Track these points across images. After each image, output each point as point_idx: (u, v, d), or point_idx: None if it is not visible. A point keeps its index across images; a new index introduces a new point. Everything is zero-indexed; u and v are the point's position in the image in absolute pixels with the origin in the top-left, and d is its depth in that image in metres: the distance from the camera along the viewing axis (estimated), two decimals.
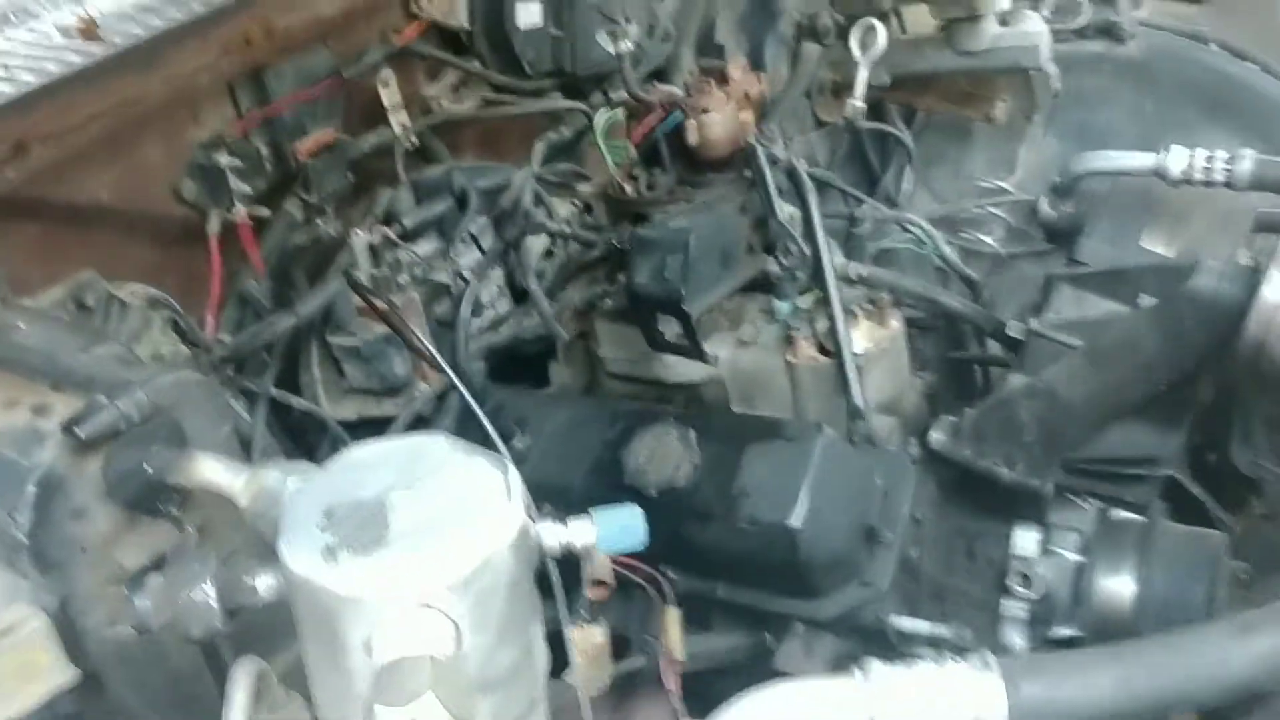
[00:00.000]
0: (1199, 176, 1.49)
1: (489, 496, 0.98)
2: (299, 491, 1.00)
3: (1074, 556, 1.65)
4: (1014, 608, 1.65)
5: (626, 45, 1.80)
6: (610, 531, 1.03)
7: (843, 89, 2.38)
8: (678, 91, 1.79)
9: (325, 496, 0.98)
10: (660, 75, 2.24)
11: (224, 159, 1.66)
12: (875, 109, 2.68)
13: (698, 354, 1.68)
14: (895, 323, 1.78)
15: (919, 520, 1.63)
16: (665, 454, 1.57)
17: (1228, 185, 1.49)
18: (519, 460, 1.69)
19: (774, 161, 1.76)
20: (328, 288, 1.65)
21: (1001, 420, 1.54)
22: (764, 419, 1.72)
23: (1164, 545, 1.63)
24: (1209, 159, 1.49)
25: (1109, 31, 2.55)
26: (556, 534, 1.02)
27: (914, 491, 1.64)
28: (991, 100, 2.49)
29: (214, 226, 1.68)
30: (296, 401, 1.67)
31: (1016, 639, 1.65)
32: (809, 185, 1.75)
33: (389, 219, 1.91)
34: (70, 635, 1.09)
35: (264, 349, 1.66)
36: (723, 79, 1.86)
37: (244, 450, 1.62)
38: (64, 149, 1.50)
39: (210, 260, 1.67)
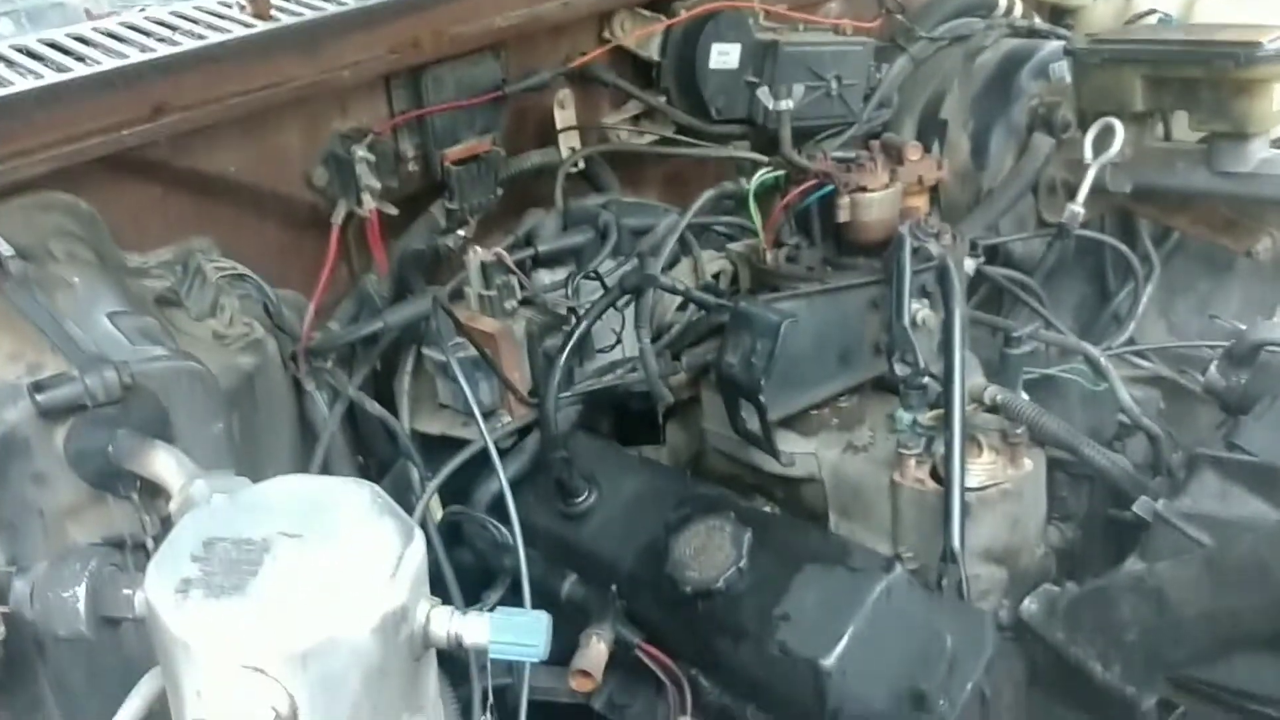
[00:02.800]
0: None
1: (373, 568, 0.89)
2: (193, 514, 0.94)
3: None
4: None
5: (786, 104, 1.66)
6: (506, 637, 0.91)
7: (1074, 191, 2.14)
8: (833, 162, 1.63)
9: (215, 526, 0.92)
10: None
11: (360, 151, 1.65)
12: (1123, 222, 2.41)
13: (771, 451, 1.52)
14: (1029, 463, 1.55)
15: (988, 698, 1.40)
16: (712, 551, 1.42)
17: None
18: (579, 519, 1.62)
19: (925, 257, 1.57)
20: (418, 301, 1.60)
21: (1101, 610, 1.30)
22: (835, 539, 1.54)
23: None
24: None
25: None
26: (448, 624, 0.91)
27: (991, 663, 1.41)
28: (1256, 233, 2.18)
29: (338, 217, 1.68)
30: (371, 406, 1.63)
31: None
32: (957, 292, 1.55)
33: (528, 240, 1.86)
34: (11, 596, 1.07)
35: (349, 348, 1.64)
36: (897, 158, 1.68)
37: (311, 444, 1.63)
38: (201, 117, 1.53)
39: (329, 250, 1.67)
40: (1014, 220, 2.26)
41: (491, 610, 0.94)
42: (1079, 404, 1.75)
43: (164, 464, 1.07)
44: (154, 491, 1.13)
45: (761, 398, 1.45)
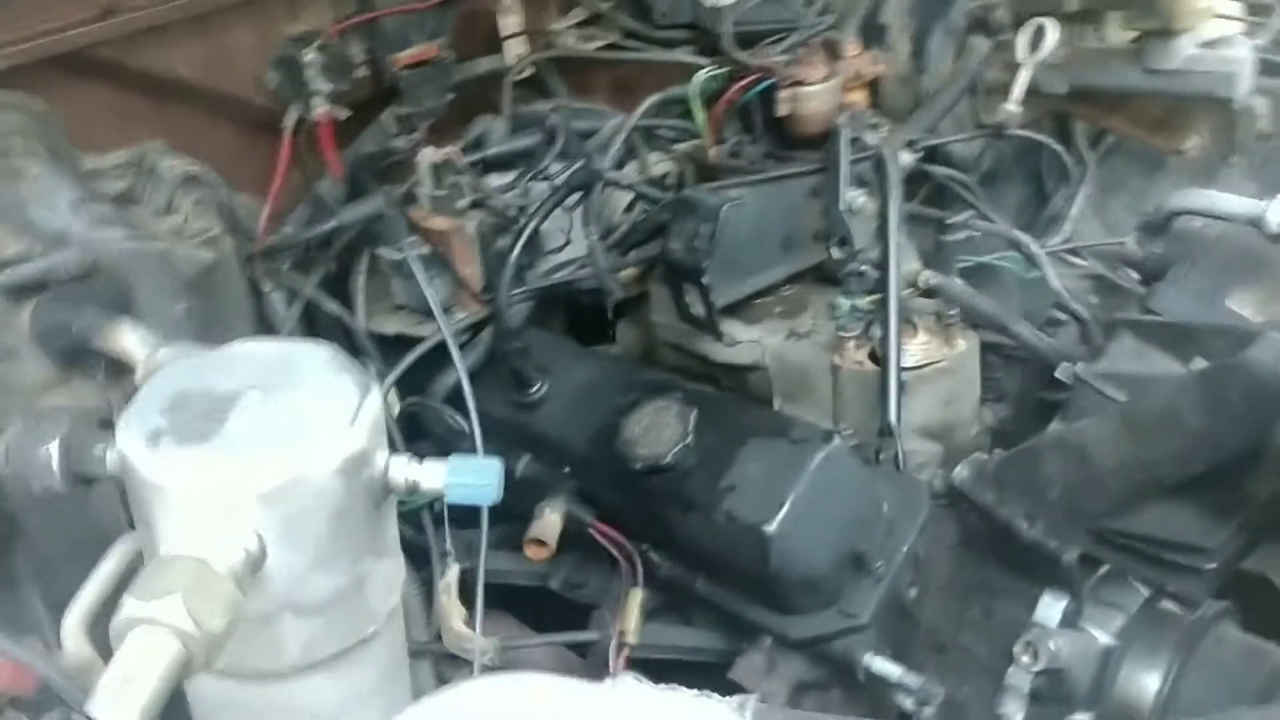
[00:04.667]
0: None
1: (334, 416, 0.94)
2: (162, 372, 0.99)
3: (1105, 639, 1.47)
4: (1019, 678, 1.49)
5: (724, 1, 1.70)
6: (462, 480, 0.97)
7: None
8: (778, 59, 1.68)
9: (183, 381, 0.97)
10: None
11: (310, 55, 1.68)
12: (1060, 124, 2.48)
13: (714, 333, 1.59)
14: (963, 343, 1.62)
15: (922, 559, 1.48)
16: (660, 429, 1.49)
17: None
18: (533, 407, 1.68)
19: (863, 148, 1.63)
20: (372, 200, 1.64)
21: (1026, 470, 1.37)
22: (777, 415, 1.61)
23: (1212, 651, 1.44)
24: None
25: None
26: (405, 471, 0.97)
27: (928, 529, 1.49)
28: (1184, 132, 2.24)
29: (289, 120, 1.71)
30: (328, 305, 1.67)
31: (1017, 713, 1.49)
32: (893, 179, 1.61)
33: (478, 144, 1.90)
34: None
35: (304, 248, 1.68)
36: (835, 54, 1.73)
37: None
38: (151, 17, 1.55)
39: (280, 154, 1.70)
40: (954, 122, 2.31)
41: None
42: (1013, 290, 1.82)
43: (128, 338, 1.11)
44: (119, 370, 1.18)
45: (705, 279, 1.51)
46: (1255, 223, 1.32)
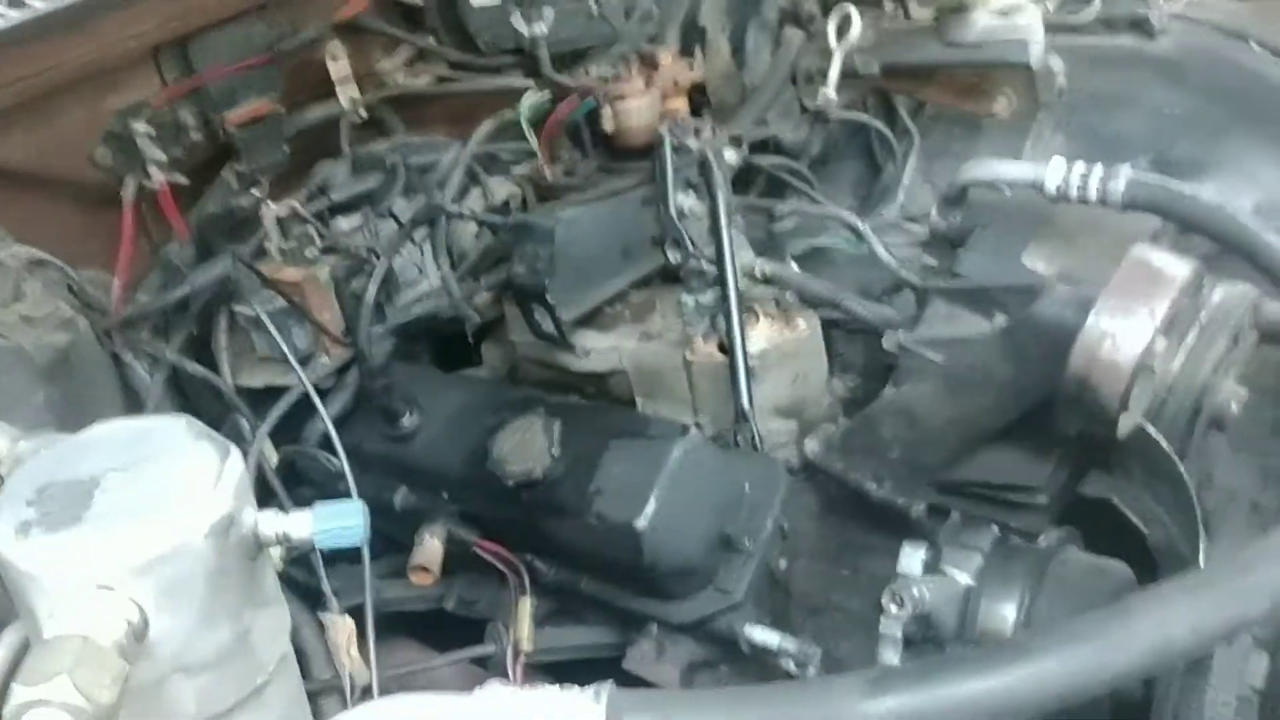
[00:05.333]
0: (1074, 193, 1.39)
1: (197, 483, 0.99)
2: (24, 466, 1.03)
3: (965, 580, 1.59)
4: (890, 626, 1.60)
5: (541, 29, 1.78)
6: (328, 527, 1.03)
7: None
8: (595, 78, 1.76)
9: (45, 472, 1.01)
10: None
11: (140, 126, 1.71)
12: (882, 99, 2.61)
13: (566, 346, 1.67)
14: (803, 324, 1.73)
15: (786, 531, 1.59)
16: (527, 445, 1.56)
17: (1102, 203, 1.39)
18: (406, 439, 1.74)
19: (686, 153, 1.72)
20: (219, 261, 1.68)
21: (867, 435, 1.49)
22: (635, 416, 1.70)
23: (1058, 574, 1.56)
24: (1084, 175, 1.39)
25: (1140, 26, 2.43)
26: (274, 524, 1.03)
27: (789, 501, 1.59)
28: (992, 95, 2.39)
29: (129, 193, 1.74)
30: (192, 367, 1.71)
31: (894, 659, 1.60)
32: (718, 178, 1.71)
33: (321, 191, 1.94)
34: None
35: (161, 315, 1.71)
36: (652, 65, 1.82)
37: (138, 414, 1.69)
38: None
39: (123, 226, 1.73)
40: (780, 112, 2.43)
41: None
42: (847, 267, 1.93)
43: None
44: None
45: (549, 298, 1.58)
46: (1034, 186, 1.44)
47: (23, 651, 1.09)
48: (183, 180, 1.78)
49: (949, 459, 1.45)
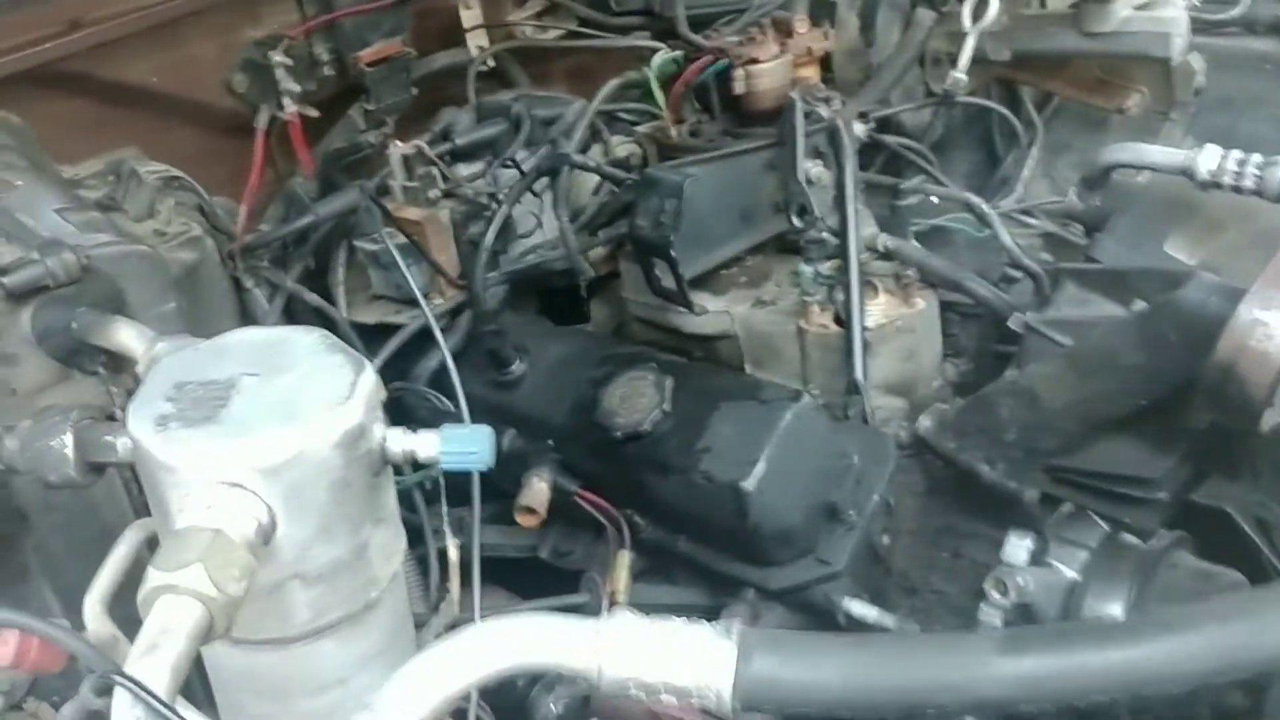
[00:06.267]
0: (1228, 180, 1.34)
1: (331, 394, 1.00)
2: (163, 363, 1.04)
3: (1070, 574, 1.55)
4: (990, 614, 1.56)
5: None
6: (454, 448, 1.03)
7: (957, 61, 2.27)
8: (731, 39, 1.74)
9: (183, 371, 1.02)
10: None
11: (277, 57, 1.73)
12: (1007, 89, 2.56)
13: (685, 304, 1.65)
14: (921, 302, 1.70)
15: (892, 506, 1.56)
16: (636, 398, 1.55)
17: (1257, 193, 1.34)
18: (512, 386, 1.74)
19: (817, 120, 1.69)
20: (347, 194, 1.70)
21: (983, 416, 1.45)
22: (747, 379, 1.68)
23: (1167, 577, 1.52)
24: (1241, 162, 1.34)
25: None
26: (401, 442, 1.03)
27: (896, 478, 1.57)
28: (1125, 91, 2.32)
29: (261, 121, 1.76)
30: (309, 297, 1.73)
31: None
32: (847, 148, 1.68)
33: (445, 136, 1.95)
34: None
35: (283, 244, 1.73)
36: (786, 31, 1.80)
37: None
38: (117, 30, 1.60)
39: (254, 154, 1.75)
40: (903, 93, 2.38)
41: None
42: (966, 250, 1.89)
43: (126, 334, 1.16)
44: (118, 366, 1.23)
45: (673, 253, 1.57)
46: (1185, 171, 1.39)
47: (144, 547, 1.12)
48: (313, 113, 1.79)
49: (1067, 444, 1.41)
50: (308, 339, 1.07)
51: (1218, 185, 1.37)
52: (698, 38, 1.80)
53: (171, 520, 0.97)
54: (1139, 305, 1.30)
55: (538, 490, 1.50)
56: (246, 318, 1.72)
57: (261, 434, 0.95)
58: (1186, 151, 1.40)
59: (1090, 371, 1.33)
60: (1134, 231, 1.43)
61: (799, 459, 1.49)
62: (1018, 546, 1.56)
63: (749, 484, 1.45)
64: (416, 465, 1.05)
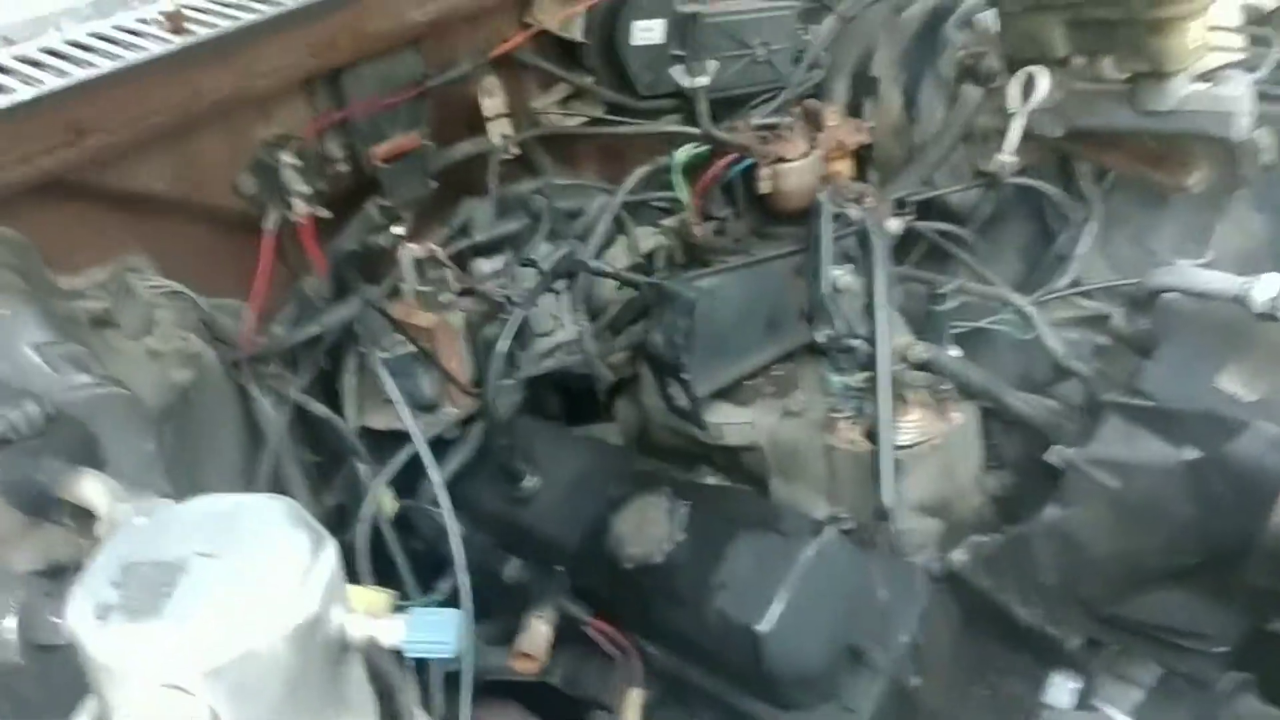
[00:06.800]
0: None
1: (285, 579, 0.92)
2: (112, 540, 0.98)
3: (1121, 717, 1.44)
4: None
5: (703, 80, 1.68)
6: (419, 636, 0.95)
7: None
8: (754, 133, 1.66)
9: (133, 548, 0.96)
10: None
11: (287, 157, 1.67)
12: (1062, 162, 2.43)
13: (698, 425, 1.56)
14: (959, 416, 1.59)
15: (921, 646, 1.45)
16: (649, 526, 1.47)
17: None
18: (524, 501, 1.66)
19: (847, 222, 1.60)
20: (351, 301, 1.64)
21: (1020, 555, 1.34)
22: (767, 505, 1.59)
23: None
24: None
25: None
26: (363, 628, 0.95)
27: (929, 613, 1.46)
28: (1186, 167, 2.19)
29: (270, 224, 1.70)
30: (315, 408, 1.67)
31: None
32: (878, 254, 1.59)
33: (464, 230, 1.89)
34: None
35: (293, 351, 1.67)
36: (816, 124, 1.71)
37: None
38: (123, 136, 1.55)
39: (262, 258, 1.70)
40: (950, 172, 2.28)
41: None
42: (1010, 352, 1.78)
43: (90, 489, 1.10)
44: (89, 514, 1.17)
45: (685, 375, 1.48)
46: (1239, 300, 1.27)
47: None
48: (325, 214, 1.73)
49: (1110, 594, 1.30)
50: (269, 511, 0.99)
51: (1273, 317, 1.25)
52: (722, 133, 1.71)
53: (108, 717, 0.90)
54: (1190, 452, 1.18)
55: (536, 634, 1.42)
56: (253, 427, 1.66)
57: (204, 632, 0.88)
58: (1241, 279, 1.28)
59: (1137, 520, 1.21)
60: (1185, 361, 1.31)
61: (820, 598, 1.39)
62: (1060, 688, 1.45)
63: (764, 627, 1.36)
64: None
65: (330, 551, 0.96)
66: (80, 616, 0.90)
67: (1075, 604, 1.32)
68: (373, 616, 0.97)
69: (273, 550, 0.95)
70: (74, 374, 1.21)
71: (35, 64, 1.60)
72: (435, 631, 0.96)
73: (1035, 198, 2.43)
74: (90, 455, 1.16)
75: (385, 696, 1.24)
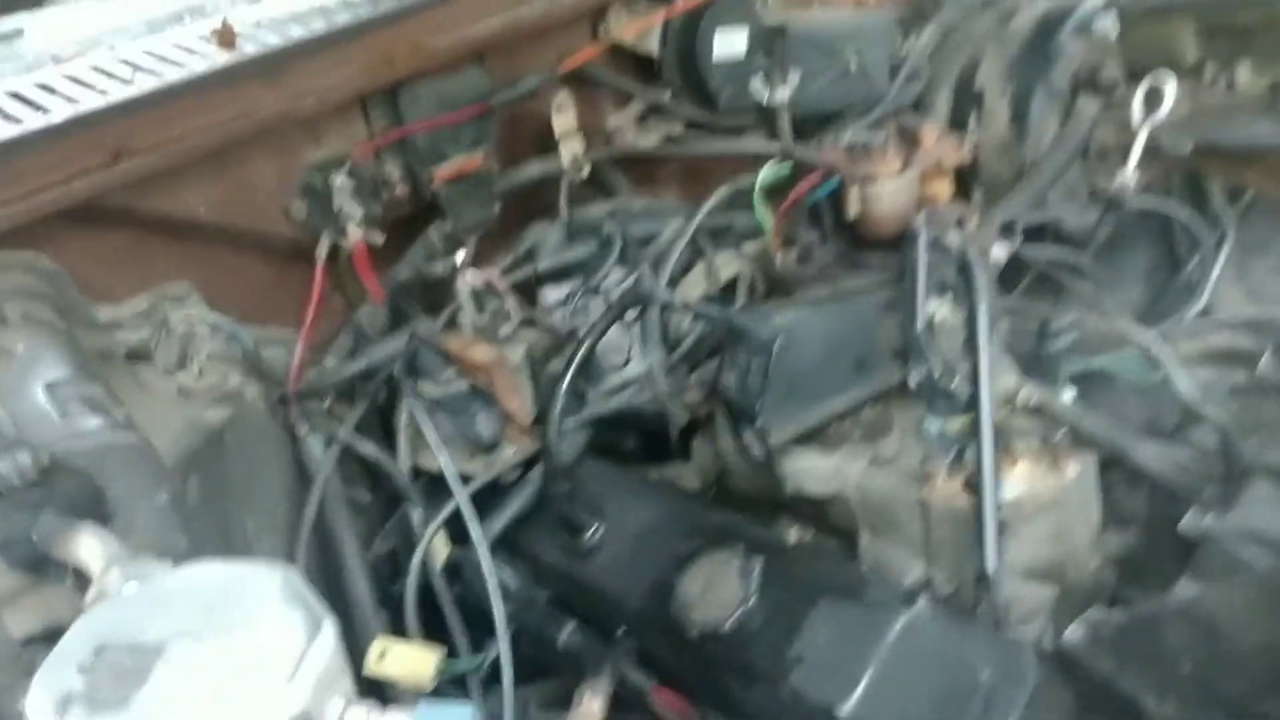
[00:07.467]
0: None
1: (271, 672, 0.80)
2: (87, 616, 0.86)
3: None
4: None
5: (783, 94, 1.52)
6: None
7: (1127, 155, 1.96)
8: (843, 150, 1.50)
9: (109, 627, 0.84)
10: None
11: (339, 181, 1.57)
12: (1190, 180, 2.22)
13: (772, 475, 1.40)
14: (1074, 469, 1.40)
15: None
16: (718, 588, 1.31)
17: None
18: (586, 556, 1.52)
19: (945, 250, 1.43)
20: (400, 336, 1.52)
21: (1149, 639, 1.15)
22: (851, 567, 1.42)
23: None
24: None
25: None
26: None
27: (1033, 698, 1.27)
28: None
29: (322, 250, 1.60)
30: (364, 448, 1.55)
31: None
32: (980, 285, 1.41)
33: (529, 256, 1.77)
34: None
35: (349, 385, 1.56)
36: (912, 141, 1.54)
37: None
38: (165, 158, 1.46)
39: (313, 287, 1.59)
40: (1064, 193, 2.08)
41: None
42: (1133, 396, 1.58)
43: (86, 548, 1.00)
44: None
45: (759, 421, 1.33)
46: None
47: None
48: (379, 240, 1.62)
49: (1257, 690, 1.10)
50: (267, 586, 0.87)
51: None
52: (806, 149, 1.56)
53: None
54: None
55: (588, 712, 1.27)
56: (300, 471, 1.55)
57: None
58: None
59: None
60: None
61: (910, 678, 1.22)
62: None
63: (846, 710, 1.19)
64: None
65: (328, 635, 0.83)
66: (38, 708, 0.79)
67: (1214, 698, 1.13)
68: (409, 680, 0.85)
69: (264, 631, 0.83)
70: (84, 419, 1.12)
71: (79, 83, 1.53)
72: None
73: (1161, 221, 2.21)
74: (94, 508, 1.06)
75: None
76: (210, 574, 0.90)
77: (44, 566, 1.05)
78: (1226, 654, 1.10)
